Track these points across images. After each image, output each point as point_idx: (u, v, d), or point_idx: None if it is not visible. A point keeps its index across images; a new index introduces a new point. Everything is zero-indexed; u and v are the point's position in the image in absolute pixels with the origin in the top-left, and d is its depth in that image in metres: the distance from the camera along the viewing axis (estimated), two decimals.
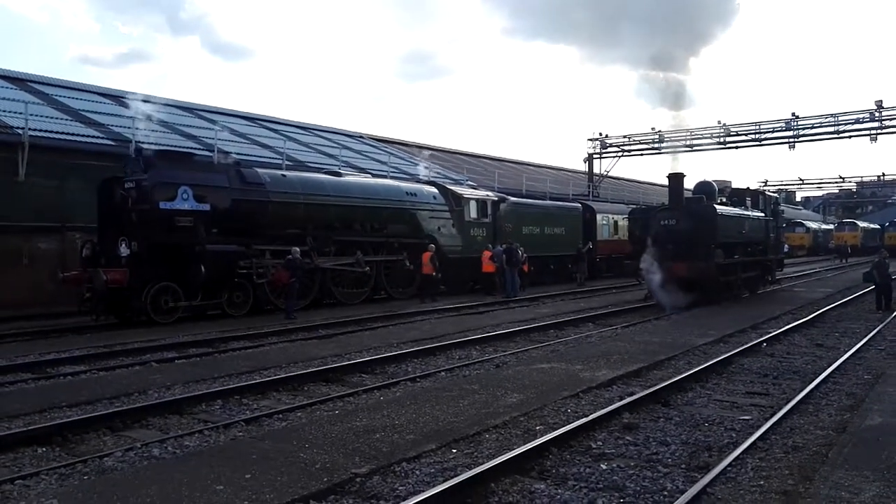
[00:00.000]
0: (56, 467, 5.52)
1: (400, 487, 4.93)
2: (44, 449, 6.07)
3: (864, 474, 4.92)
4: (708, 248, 16.95)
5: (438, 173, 29.61)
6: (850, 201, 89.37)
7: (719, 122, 39.08)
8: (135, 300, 13.46)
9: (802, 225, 58.01)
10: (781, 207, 26.27)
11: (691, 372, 8.73)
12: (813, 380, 8.45)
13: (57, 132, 18.40)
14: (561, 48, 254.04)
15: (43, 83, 23.93)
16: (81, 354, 10.45)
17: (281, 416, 7.11)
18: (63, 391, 8.04)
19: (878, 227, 60.33)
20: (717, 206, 17.88)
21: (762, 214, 20.90)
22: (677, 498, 4.71)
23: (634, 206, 26.09)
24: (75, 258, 15.19)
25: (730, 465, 5.39)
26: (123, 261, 13.61)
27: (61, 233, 17.43)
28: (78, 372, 9.39)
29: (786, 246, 51.63)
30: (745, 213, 19.81)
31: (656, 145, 41.18)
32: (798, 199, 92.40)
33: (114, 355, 10.52)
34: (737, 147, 39.59)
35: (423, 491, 4.64)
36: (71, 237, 17.24)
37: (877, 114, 34.55)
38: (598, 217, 29.03)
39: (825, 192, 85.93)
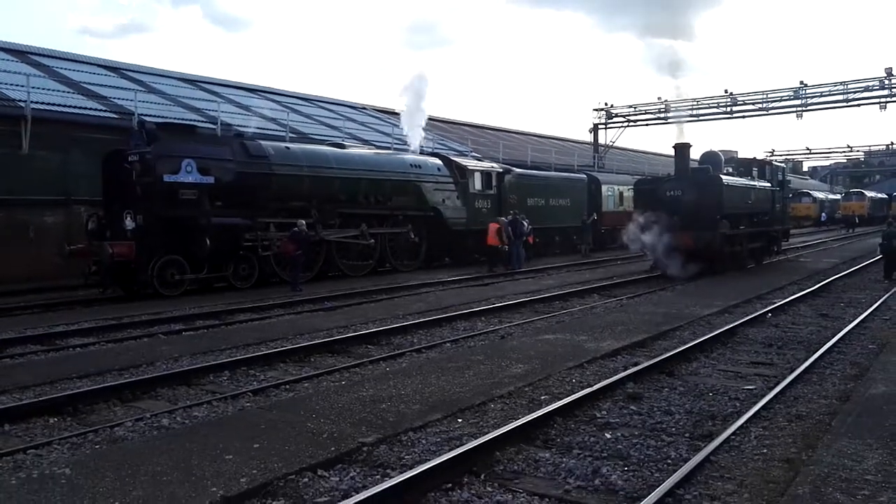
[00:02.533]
0: (68, 437, 5.60)
1: (406, 456, 4.98)
2: (55, 419, 6.15)
3: (868, 442, 4.95)
4: (714, 219, 16.88)
5: (443, 144, 29.45)
6: (858, 171, 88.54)
7: (726, 91, 38.62)
8: (141, 273, 13.53)
9: (809, 195, 57.65)
10: (788, 177, 26.07)
11: (696, 342, 8.74)
12: (817, 349, 8.46)
13: (59, 105, 18.34)
14: (568, 14, 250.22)
15: (43, 55, 23.80)
16: (90, 327, 10.53)
17: (288, 386, 7.17)
18: (73, 363, 8.13)
19: (885, 196, 59.90)
20: (723, 177, 17.76)
21: (768, 185, 20.75)
22: (681, 466, 4.75)
23: (640, 177, 25.93)
24: (81, 231, 15.24)
25: (733, 433, 5.43)
26: (129, 234, 13.65)
27: (66, 206, 17.46)
28: (87, 344, 9.48)
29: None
30: (752, 183, 19.68)
31: (662, 115, 40.78)
32: (805, 168, 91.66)
33: (122, 327, 10.60)
34: (744, 116, 39.19)
35: (430, 459, 4.70)
36: (76, 210, 17.28)
37: (886, 81, 34.07)
38: (604, 188, 28.88)
39: (833, 161, 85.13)
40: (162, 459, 4.70)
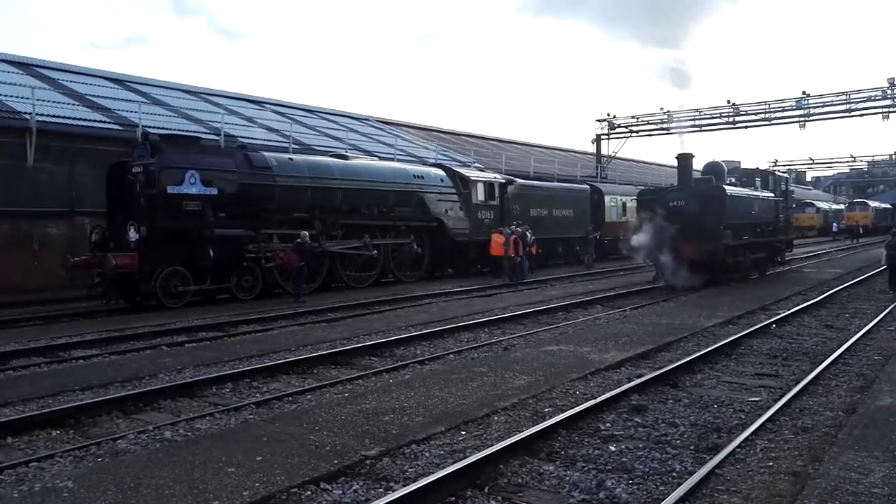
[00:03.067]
0: (70, 450, 5.58)
1: (409, 469, 4.96)
2: (58, 431, 6.14)
3: (875, 455, 4.91)
4: (717, 229, 16.86)
5: (446, 155, 29.51)
6: (862, 181, 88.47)
7: (729, 102, 38.68)
8: (145, 284, 13.55)
9: (813, 205, 57.56)
10: (791, 187, 26.05)
11: (700, 353, 8.71)
12: (823, 361, 8.42)
13: (64, 117, 18.43)
14: (570, 24, 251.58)
15: (49, 68, 23.94)
16: (93, 338, 10.53)
17: (291, 398, 7.15)
18: (75, 375, 8.12)
19: (889, 206, 59.81)
20: (726, 187, 17.76)
21: (772, 195, 20.74)
22: (686, 479, 4.72)
23: (643, 188, 25.93)
24: (85, 243, 15.27)
25: (739, 446, 5.39)
26: (132, 245, 13.68)
27: (71, 218, 17.52)
28: (90, 356, 9.48)
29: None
30: (755, 193, 19.67)
31: (665, 125, 40.82)
32: (808, 178, 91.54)
33: (125, 339, 10.60)
34: (746, 127, 39.21)
35: (433, 472, 4.67)
36: (80, 222, 17.33)
37: (889, 91, 34.07)
38: (607, 199, 28.90)
39: (836, 171, 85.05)
40: (164, 472, 4.68)
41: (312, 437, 5.43)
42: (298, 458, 4.98)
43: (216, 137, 20.12)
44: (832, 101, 36.05)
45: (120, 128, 19.30)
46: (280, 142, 22.84)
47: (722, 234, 16.89)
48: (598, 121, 42.74)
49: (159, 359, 9.05)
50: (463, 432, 5.77)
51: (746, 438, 5.57)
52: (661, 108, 40.52)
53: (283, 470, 4.73)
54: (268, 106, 30.47)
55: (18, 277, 16.00)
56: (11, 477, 4.98)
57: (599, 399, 6.54)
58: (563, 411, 6.16)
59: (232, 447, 5.20)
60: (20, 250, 16.46)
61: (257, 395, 7.37)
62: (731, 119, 38.97)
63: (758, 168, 22.70)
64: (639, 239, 16.86)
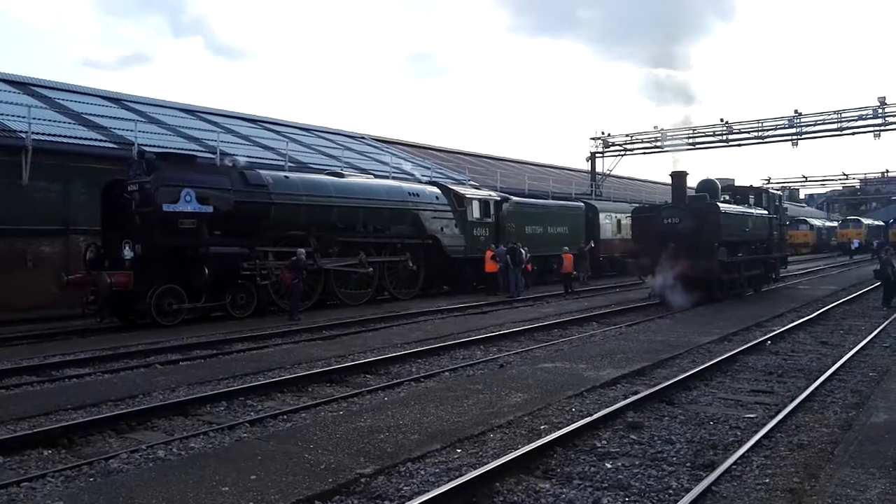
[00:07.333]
0: (62, 469, 5.53)
1: (405, 487, 4.93)
2: (49, 451, 6.08)
3: (870, 471, 4.91)
4: (711, 247, 16.92)
5: (440, 173, 29.62)
6: (854, 198, 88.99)
7: (722, 120, 38.99)
8: (139, 303, 13.49)
9: (806, 222, 57.77)
10: (785, 205, 26.21)
11: (696, 370, 8.71)
12: (818, 377, 8.43)
13: (60, 136, 18.46)
14: (566, 44, 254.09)
15: (45, 87, 24.01)
16: (86, 357, 10.46)
17: (285, 417, 7.11)
18: (68, 394, 8.06)
19: (882, 223, 60.11)
20: (720, 205, 17.86)
21: (765, 212, 20.86)
22: (682, 496, 4.70)
23: (637, 205, 26.04)
24: (79, 261, 15.23)
25: (735, 463, 5.38)
26: (127, 263, 13.65)
27: (65, 236, 17.48)
28: (83, 374, 9.41)
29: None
30: (749, 210, 19.78)
31: (659, 144, 41.07)
32: (801, 196, 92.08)
33: (118, 357, 10.54)
34: (740, 145, 39.50)
35: (428, 491, 4.64)
36: (75, 240, 17.28)
37: (880, 110, 34.41)
38: (601, 216, 29.00)
39: (829, 189, 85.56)
40: (157, 492, 4.64)
41: (307, 456, 5.40)
42: (293, 476, 4.94)
43: (212, 156, 20.17)
44: (824, 119, 36.37)
45: (116, 146, 19.33)
46: (276, 160, 22.91)
47: (717, 251, 16.96)
48: (593, 139, 43.02)
49: (153, 377, 9.00)
50: (458, 450, 5.74)
51: (743, 455, 5.56)
52: (656, 127, 40.82)
53: (278, 489, 4.69)
54: (264, 125, 30.59)
55: (12, 296, 15.91)
56: (3, 497, 4.93)
57: (595, 416, 6.53)
58: (559, 428, 6.14)
59: (226, 466, 5.16)
60: (14, 268, 16.38)
61: (252, 413, 7.33)
62: (724, 137, 39.24)
63: (751, 186, 22.84)
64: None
